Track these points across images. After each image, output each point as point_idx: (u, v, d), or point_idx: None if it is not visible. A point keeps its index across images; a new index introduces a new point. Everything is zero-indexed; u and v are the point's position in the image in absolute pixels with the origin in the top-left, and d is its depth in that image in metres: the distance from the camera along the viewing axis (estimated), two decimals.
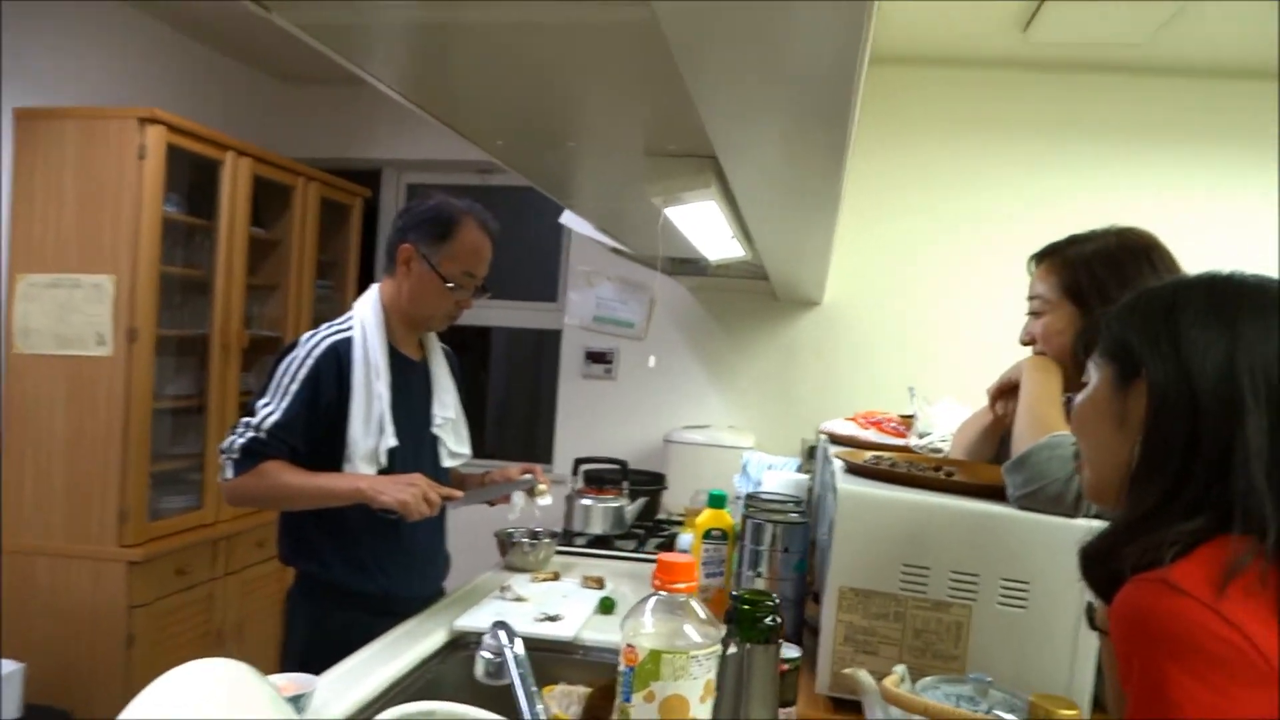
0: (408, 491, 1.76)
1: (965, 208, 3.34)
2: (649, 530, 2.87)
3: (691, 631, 0.75)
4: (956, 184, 3.34)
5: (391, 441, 1.86)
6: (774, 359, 3.56)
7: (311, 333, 1.89)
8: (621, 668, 0.77)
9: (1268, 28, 2.73)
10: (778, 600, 0.57)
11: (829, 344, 3.51)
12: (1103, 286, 1.36)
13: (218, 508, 3.26)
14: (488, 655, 1.35)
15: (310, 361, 1.83)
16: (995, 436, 1.61)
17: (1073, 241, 1.45)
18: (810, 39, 0.83)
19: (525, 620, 1.89)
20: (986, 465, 1.60)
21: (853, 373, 3.48)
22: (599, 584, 2.19)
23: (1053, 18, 2.73)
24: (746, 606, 0.57)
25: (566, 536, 2.65)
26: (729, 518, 1.55)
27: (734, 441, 3.29)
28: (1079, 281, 1.40)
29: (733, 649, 0.57)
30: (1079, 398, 0.99)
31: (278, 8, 0.89)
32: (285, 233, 3.53)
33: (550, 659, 1.84)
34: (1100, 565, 0.90)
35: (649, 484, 2.94)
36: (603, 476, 2.80)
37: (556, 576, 2.24)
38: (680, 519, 3.07)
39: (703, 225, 1.59)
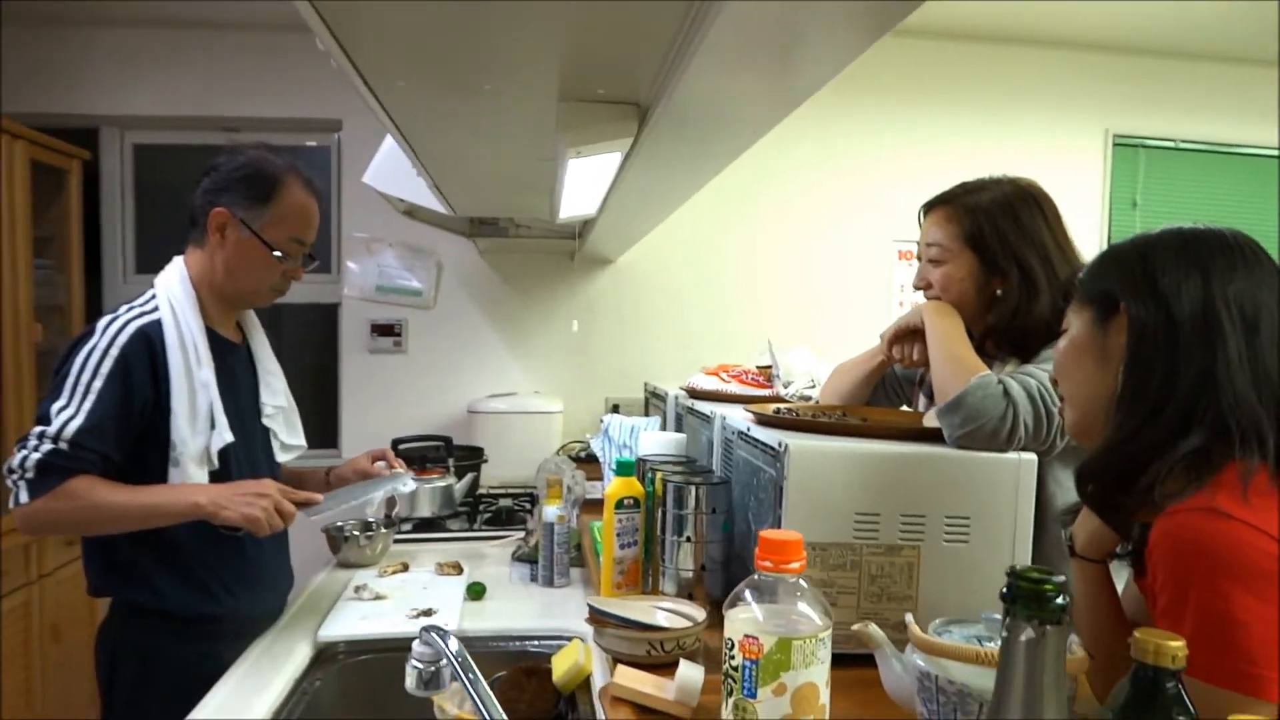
0: (256, 505, 1.51)
1: (754, 168, 3.45)
2: (473, 507, 2.73)
3: (809, 612, 0.69)
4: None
5: (227, 437, 1.60)
6: (571, 320, 3.50)
7: (109, 316, 1.57)
8: (738, 661, 0.69)
9: None
10: (1060, 578, 0.53)
11: (627, 303, 3.50)
12: (1003, 235, 1.43)
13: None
14: (420, 665, 1.21)
15: (115, 351, 1.52)
16: (875, 381, 1.67)
17: (966, 190, 1.50)
18: None
19: (398, 620, 1.73)
20: (885, 409, 1.66)
21: (651, 330, 3.51)
22: (457, 569, 2.05)
23: None
24: (1031, 583, 0.52)
25: (389, 523, 2.45)
26: (640, 486, 1.49)
27: (542, 407, 3.21)
28: (980, 229, 1.45)
29: (1027, 634, 0.52)
30: (1060, 344, 1.05)
31: None
32: None
33: None
34: (1099, 484, 0.96)
35: (467, 459, 2.79)
36: (424, 455, 2.61)
37: (406, 567, 2.07)
38: (500, 492, 2.97)
39: (590, 179, 1.49)
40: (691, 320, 3.51)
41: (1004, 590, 0.53)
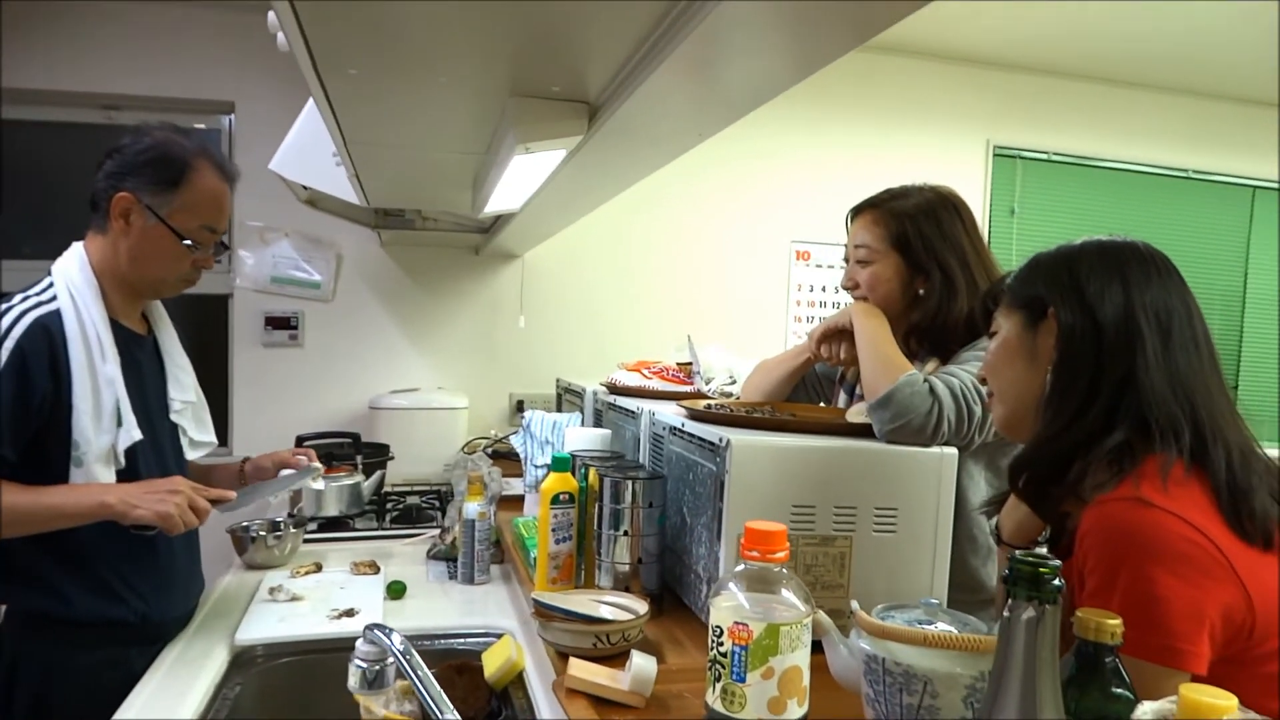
0: (169, 502, 1.45)
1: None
2: (380, 505, 2.67)
3: (792, 599, 0.72)
4: None
5: (135, 435, 1.52)
6: (476, 316, 3.45)
7: (3, 306, 1.47)
8: (727, 648, 0.72)
9: None
10: (1056, 562, 0.57)
11: (532, 299, 3.48)
12: (926, 238, 1.52)
13: None
14: (364, 664, 1.19)
15: (10, 344, 1.42)
16: (798, 378, 1.73)
17: (892, 196, 1.58)
18: None
19: (319, 621, 1.69)
20: (808, 405, 1.72)
21: (556, 326, 3.50)
22: (373, 568, 2.01)
23: None
24: (1030, 566, 0.56)
25: (297, 523, 2.38)
26: (574, 481, 1.50)
27: (447, 403, 3.17)
28: (905, 232, 1.54)
29: (1028, 613, 0.55)
30: (991, 345, 1.12)
31: None
32: None
33: (345, 658, 1.64)
34: (1031, 476, 1.03)
35: (372, 456, 2.73)
36: (330, 452, 2.54)
37: (319, 567, 2.01)
38: (405, 489, 2.91)
39: (523, 175, 1.48)
40: (597, 316, 3.52)
41: (1005, 573, 0.57)
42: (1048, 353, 1.04)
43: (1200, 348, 0.99)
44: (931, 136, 3.79)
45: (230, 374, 3.32)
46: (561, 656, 1.25)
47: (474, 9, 0.93)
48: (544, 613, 1.25)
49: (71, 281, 1.53)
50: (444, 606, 1.83)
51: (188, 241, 1.57)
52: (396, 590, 1.86)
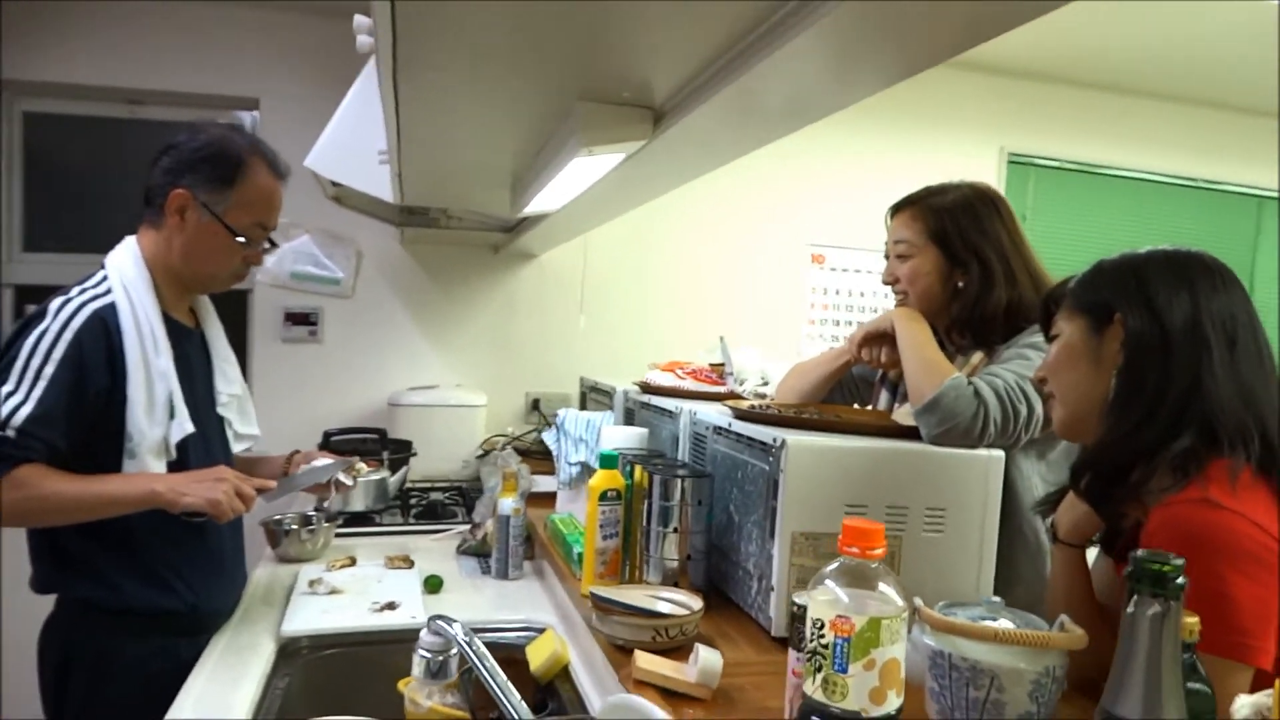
0: (217, 489, 1.47)
1: None
2: (403, 501, 2.69)
3: (891, 593, 0.75)
4: None
5: (188, 428, 1.54)
6: (493, 314, 3.47)
7: (62, 298, 1.49)
8: (828, 639, 0.74)
9: None
10: (1179, 561, 0.59)
11: (549, 299, 3.51)
12: (964, 232, 1.56)
13: None
14: (428, 654, 1.22)
15: (69, 335, 1.44)
16: (835, 380, 1.76)
17: (930, 193, 1.63)
18: None
19: (361, 613, 1.71)
20: (849, 408, 1.74)
21: (573, 326, 3.52)
22: (408, 563, 2.02)
23: None
24: (1155, 565, 0.59)
25: (329, 517, 2.40)
26: (622, 478, 1.52)
27: (466, 400, 3.19)
28: (944, 227, 1.58)
29: (1154, 609, 0.58)
30: (1053, 348, 1.15)
31: None
32: None
33: (388, 650, 1.68)
34: (1094, 478, 1.06)
35: (396, 452, 2.75)
36: (357, 448, 2.55)
37: (354, 561, 2.03)
38: (426, 486, 2.93)
39: (578, 176, 1.50)
40: (613, 317, 3.54)
41: (1129, 571, 0.60)
42: (1112, 358, 1.07)
43: (1263, 358, 1.03)
44: (946, 142, 3.82)
45: (249, 369, 3.33)
46: (618, 650, 1.28)
47: (563, 14, 0.96)
48: (603, 606, 1.27)
49: (125, 275, 1.55)
50: (480, 601, 1.85)
51: (241, 238, 1.59)
52: (434, 585, 1.88)
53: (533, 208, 1.85)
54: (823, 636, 0.74)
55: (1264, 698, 0.65)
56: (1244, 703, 0.66)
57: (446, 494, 2.84)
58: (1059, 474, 1.52)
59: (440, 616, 1.21)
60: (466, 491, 2.90)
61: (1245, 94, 3.90)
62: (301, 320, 3.30)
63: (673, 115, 1.22)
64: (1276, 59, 3.32)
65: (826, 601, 0.76)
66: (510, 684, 1.15)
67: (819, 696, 0.75)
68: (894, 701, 0.74)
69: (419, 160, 1.68)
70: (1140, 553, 0.60)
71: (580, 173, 1.46)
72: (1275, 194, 4.17)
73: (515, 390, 3.50)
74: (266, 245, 1.68)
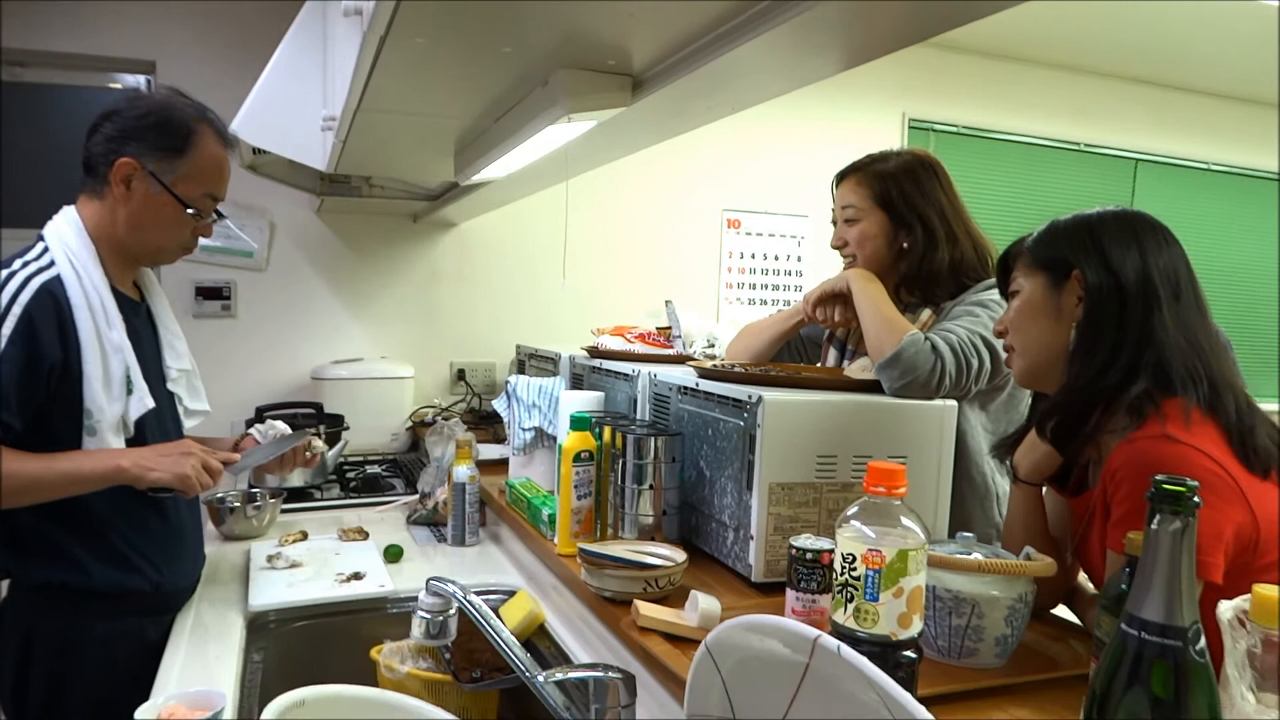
0: (184, 463, 1.45)
1: None
2: (340, 475, 2.66)
3: (914, 528, 0.82)
4: None
5: (149, 403, 1.50)
6: (415, 285, 3.42)
7: (5, 272, 1.42)
8: (860, 572, 0.81)
9: None
10: (1195, 483, 0.67)
11: (470, 267, 3.48)
12: (907, 195, 1.66)
13: None
14: (427, 615, 1.24)
15: (18, 310, 1.38)
16: (785, 341, 1.84)
17: (874, 160, 1.72)
18: None
19: (328, 585, 1.71)
20: (802, 365, 1.82)
21: (495, 294, 3.51)
22: (362, 534, 2.02)
23: None
24: (1174, 485, 0.66)
25: (275, 493, 2.35)
26: (593, 439, 1.56)
27: (392, 372, 3.15)
28: (889, 191, 1.67)
29: (1174, 525, 0.66)
30: (1013, 303, 1.24)
31: None
32: None
33: (357, 620, 1.69)
34: (1059, 422, 1.16)
35: (331, 426, 2.71)
36: (292, 423, 2.50)
37: (305, 536, 2.01)
38: (359, 459, 2.90)
39: (541, 143, 1.51)
40: (536, 285, 3.54)
41: (1150, 493, 0.68)
42: (1071, 310, 1.17)
43: (1202, 308, 1.14)
44: (851, 110, 3.94)
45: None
46: (607, 602, 1.33)
47: None
48: (594, 561, 1.32)
49: (69, 247, 1.48)
50: (443, 567, 1.87)
51: (191, 210, 1.55)
52: (394, 554, 1.89)
53: (482, 175, 1.84)
54: (854, 570, 0.81)
55: (1241, 601, 0.75)
56: (1226, 606, 0.76)
57: (383, 467, 2.82)
58: (998, 423, 1.64)
59: (438, 578, 1.24)
60: (401, 464, 2.88)
61: (1120, 62, 4.17)
62: (214, 295, 3.18)
63: (652, 83, 1.25)
64: (1152, 31, 3.57)
65: (851, 538, 0.82)
66: (515, 639, 1.19)
67: (851, 624, 0.82)
68: (917, 625, 0.82)
69: (373, 128, 1.65)
70: (1159, 477, 0.69)
71: (549, 139, 1.47)
72: (1149, 156, 4.49)
73: (440, 361, 3.47)
74: (214, 217, 1.63)
